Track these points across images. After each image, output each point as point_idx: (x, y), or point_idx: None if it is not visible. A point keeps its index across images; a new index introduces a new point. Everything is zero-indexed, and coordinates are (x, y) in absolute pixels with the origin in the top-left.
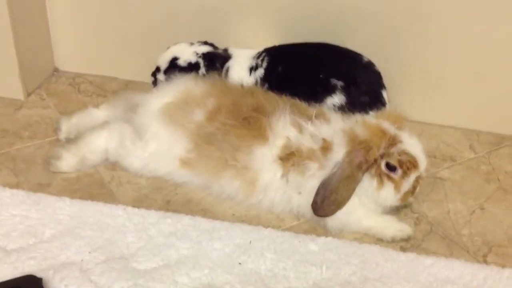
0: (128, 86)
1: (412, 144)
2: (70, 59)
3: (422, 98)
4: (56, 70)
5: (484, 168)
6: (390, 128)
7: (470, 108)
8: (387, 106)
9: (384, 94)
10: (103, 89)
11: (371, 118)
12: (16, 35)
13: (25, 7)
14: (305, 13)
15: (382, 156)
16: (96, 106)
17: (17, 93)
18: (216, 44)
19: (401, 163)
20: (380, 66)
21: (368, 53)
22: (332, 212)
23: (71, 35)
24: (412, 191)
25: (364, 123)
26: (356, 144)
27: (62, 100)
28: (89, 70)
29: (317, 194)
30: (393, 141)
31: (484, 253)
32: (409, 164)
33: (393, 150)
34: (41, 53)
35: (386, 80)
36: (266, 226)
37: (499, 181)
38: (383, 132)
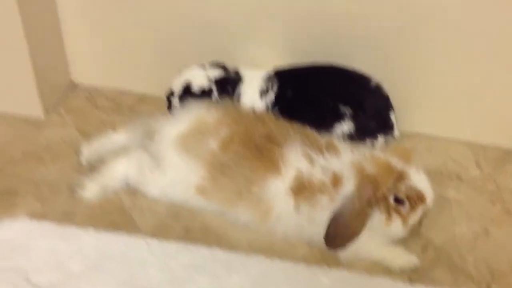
0: (142, 100)
1: (419, 180)
2: (86, 73)
3: (430, 111)
4: (72, 84)
5: (489, 187)
6: (398, 164)
7: (476, 122)
8: (395, 127)
9: (392, 116)
10: (117, 104)
11: (379, 153)
12: (32, 52)
13: (38, 22)
14: (313, 32)
15: (390, 191)
16: (113, 124)
17: (36, 110)
18: (225, 61)
19: (408, 198)
20: (386, 79)
21: (374, 69)
22: (343, 246)
23: (85, 49)
24: (419, 222)
25: (372, 158)
26: (364, 178)
27: (80, 117)
28: (105, 83)
29: (328, 227)
30: (401, 177)
31: (488, 282)
32: (416, 198)
33: (401, 185)
34: (57, 68)
35: (392, 93)
36: (279, 255)
37: (504, 202)
38: (391, 168)
